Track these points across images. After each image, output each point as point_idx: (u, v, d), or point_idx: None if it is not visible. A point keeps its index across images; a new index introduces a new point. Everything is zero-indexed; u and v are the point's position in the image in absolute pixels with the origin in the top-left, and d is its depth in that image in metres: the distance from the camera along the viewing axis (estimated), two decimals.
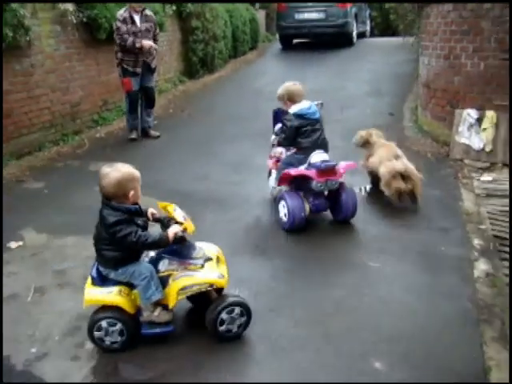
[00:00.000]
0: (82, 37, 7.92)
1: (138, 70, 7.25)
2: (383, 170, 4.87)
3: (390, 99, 9.32)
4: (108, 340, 2.86)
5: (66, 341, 3.02)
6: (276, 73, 12.44)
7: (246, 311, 2.95)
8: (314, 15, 13.82)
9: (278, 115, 4.87)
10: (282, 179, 4.51)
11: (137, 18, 7.10)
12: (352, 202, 4.46)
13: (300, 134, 4.44)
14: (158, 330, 2.91)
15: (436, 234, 4.35)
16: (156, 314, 2.89)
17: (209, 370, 2.75)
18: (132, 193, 2.81)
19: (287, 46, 15.36)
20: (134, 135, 7.61)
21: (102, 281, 2.89)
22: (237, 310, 2.91)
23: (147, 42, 7.05)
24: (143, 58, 7.20)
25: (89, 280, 2.94)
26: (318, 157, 4.40)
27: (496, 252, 4.04)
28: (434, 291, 3.48)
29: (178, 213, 2.95)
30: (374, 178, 5.21)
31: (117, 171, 2.78)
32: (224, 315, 2.88)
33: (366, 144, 5.44)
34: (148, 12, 7.31)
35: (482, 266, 3.81)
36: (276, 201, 4.65)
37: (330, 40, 14.39)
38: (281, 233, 4.43)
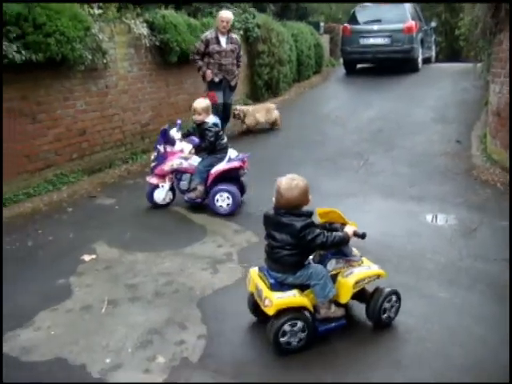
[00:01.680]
0: (154, 59, 8.22)
1: (222, 85, 8.06)
2: None
3: (457, 126, 9.12)
4: (294, 341, 3.03)
5: (138, 353, 3.10)
6: (341, 98, 12.48)
7: (399, 297, 3.33)
8: (379, 40, 13.77)
9: (167, 133, 5.60)
10: (213, 177, 5.46)
11: (222, 39, 7.90)
12: (245, 184, 5.77)
13: (219, 138, 5.51)
14: (333, 325, 3.18)
15: (504, 264, 4.18)
16: (332, 310, 3.15)
17: None
18: (303, 205, 3.10)
19: (351, 70, 15.35)
20: None
21: (280, 286, 3.07)
22: (394, 297, 3.29)
23: (209, 74, 7.92)
24: (225, 76, 8.04)
25: (265, 288, 3.08)
26: (233, 152, 5.64)
27: None
28: (504, 322, 3.34)
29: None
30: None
31: (301, 181, 3.08)
32: (386, 304, 3.24)
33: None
34: (233, 35, 8.17)
35: None
36: (210, 197, 5.46)
37: (395, 65, 14.28)
38: None
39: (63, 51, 5.96)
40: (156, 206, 5.70)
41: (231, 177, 5.58)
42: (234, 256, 4.44)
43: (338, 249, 3.22)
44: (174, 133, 5.66)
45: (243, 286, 3.87)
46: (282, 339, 2.99)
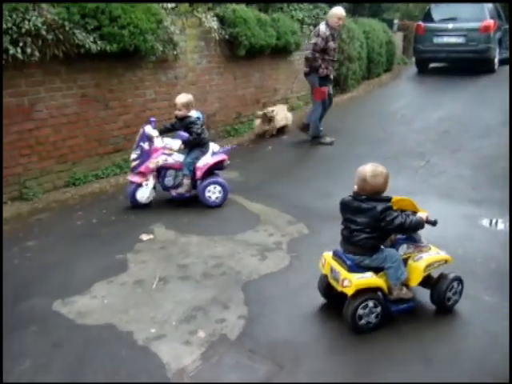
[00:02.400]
0: (222, 52, 8.47)
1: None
2: None
3: None
4: (369, 320, 3.23)
5: (181, 326, 3.31)
6: (410, 96, 12.31)
7: (461, 282, 3.51)
8: (453, 39, 13.43)
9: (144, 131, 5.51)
10: (204, 170, 5.56)
11: (334, 36, 8.07)
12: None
13: (203, 132, 5.60)
14: (404, 306, 3.38)
15: None
16: (404, 291, 3.36)
17: None
18: (383, 192, 3.33)
19: (423, 69, 15.05)
20: (331, 138, 8.39)
21: (357, 268, 3.27)
22: (455, 283, 3.46)
23: (324, 71, 7.99)
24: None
25: (343, 270, 3.28)
26: (215, 146, 5.79)
27: None
28: None
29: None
30: None
31: (384, 169, 3.32)
32: (450, 290, 3.43)
33: None
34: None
35: None
36: (201, 190, 5.54)
37: (469, 65, 13.89)
38: None
39: (136, 42, 6.30)
40: (137, 206, 5.51)
41: (214, 169, 5.72)
42: (283, 245, 4.58)
43: (412, 233, 3.42)
44: (150, 130, 5.45)
45: (288, 273, 4.05)
46: (358, 319, 3.20)
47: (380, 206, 3.20)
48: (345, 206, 3.42)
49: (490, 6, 13.88)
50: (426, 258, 3.42)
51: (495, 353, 3.06)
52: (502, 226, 5.11)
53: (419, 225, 3.32)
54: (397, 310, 3.37)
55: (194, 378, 2.82)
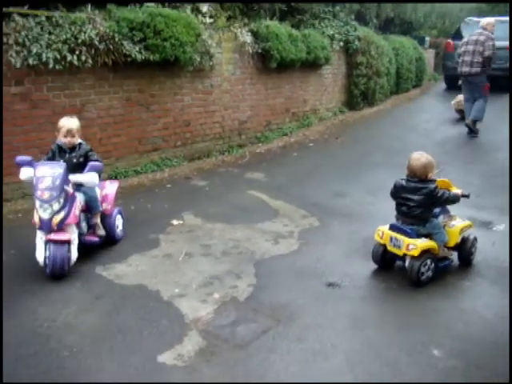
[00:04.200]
0: (255, 64, 9.18)
1: None
2: None
3: None
4: (425, 275, 4.14)
5: (200, 289, 4.00)
6: (435, 111, 12.79)
7: (477, 241, 4.56)
8: None
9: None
10: (113, 200, 4.96)
11: None
12: None
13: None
14: (447, 263, 4.43)
15: None
16: (446, 251, 4.40)
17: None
18: (430, 175, 4.21)
19: (452, 86, 15.43)
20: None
21: (416, 236, 4.18)
22: (475, 242, 4.54)
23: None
24: None
25: (404, 237, 4.18)
26: None
27: None
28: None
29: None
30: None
31: (424, 158, 4.22)
32: (473, 248, 4.54)
33: None
34: None
35: None
36: (112, 223, 4.82)
37: (496, 84, 14.23)
38: None
39: (176, 53, 7.06)
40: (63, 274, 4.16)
41: None
42: (295, 234, 5.23)
43: (451, 204, 4.40)
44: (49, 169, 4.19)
45: (296, 256, 4.70)
46: (421, 275, 4.11)
47: (432, 186, 4.15)
48: (400, 188, 4.33)
49: None
50: (458, 225, 4.47)
51: (462, 323, 3.67)
52: (497, 228, 5.62)
53: (457, 198, 4.30)
54: (442, 266, 4.34)
55: (206, 325, 3.49)
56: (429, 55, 17.45)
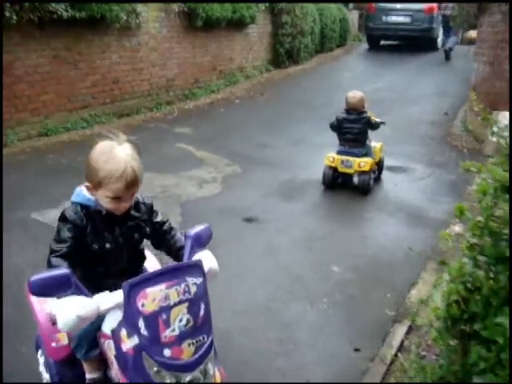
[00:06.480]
0: (182, 23, 9.43)
1: None
2: None
3: (452, 100, 10.05)
4: (371, 185, 5.45)
5: None
6: (357, 70, 13.48)
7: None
8: (400, 19, 14.60)
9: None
10: None
11: None
12: None
13: None
14: (376, 175, 5.80)
15: (431, 204, 5.31)
16: (375, 166, 5.60)
17: None
18: (366, 105, 5.39)
19: (374, 46, 16.21)
20: None
21: (362, 156, 5.36)
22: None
23: None
24: None
25: (354, 158, 5.32)
26: None
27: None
28: (407, 240, 4.48)
29: None
30: None
31: (358, 94, 5.37)
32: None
33: None
34: None
35: (456, 228, 4.73)
36: None
37: (417, 44, 15.07)
38: (307, 188, 5.60)
39: (102, 11, 7.24)
40: None
41: None
42: (218, 179, 5.71)
43: (375, 129, 5.51)
44: None
45: (218, 197, 5.22)
46: (368, 185, 5.32)
47: (367, 115, 5.33)
48: (343, 121, 5.38)
49: None
50: (378, 146, 5.67)
51: (361, 246, 4.29)
52: (402, 171, 6.32)
53: (380, 124, 5.48)
54: (373, 177, 5.58)
55: None
56: (353, 16, 18.05)
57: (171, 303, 1.75)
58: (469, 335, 1.91)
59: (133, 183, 1.90)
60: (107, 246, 2.01)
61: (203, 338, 1.82)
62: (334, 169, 5.45)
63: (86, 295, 1.74)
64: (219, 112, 9.12)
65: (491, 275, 1.88)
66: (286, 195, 5.35)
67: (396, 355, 2.96)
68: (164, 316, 1.73)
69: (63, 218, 1.97)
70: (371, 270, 3.96)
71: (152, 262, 2.43)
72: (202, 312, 1.83)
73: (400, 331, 3.18)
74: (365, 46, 17.00)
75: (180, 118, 8.60)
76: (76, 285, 1.71)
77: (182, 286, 1.79)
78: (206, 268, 1.94)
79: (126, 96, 8.49)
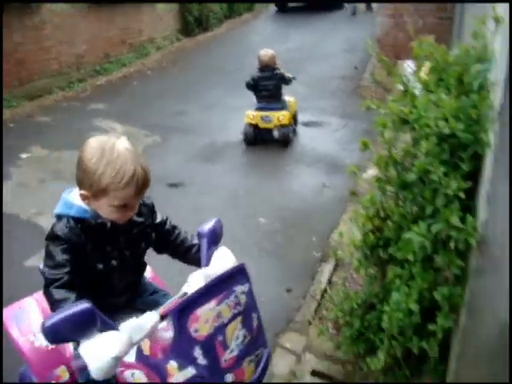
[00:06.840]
0: None
1: None
2: None
3: (362, 55, 10.35)
4: (291, 138, 5.84)
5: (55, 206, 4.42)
6: (267, 33, 13.63)
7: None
8: None
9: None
10: None
11: None
12: None
13: None
14: (294, 127, 6.17)
15: (347, 153, 5.63)
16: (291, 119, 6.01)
17: None
18: (277, 62, 5.74)
19: (282, 9, 16.38)
20: None
21: (280, 110, 5.65)
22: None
23: None
24: None
25: (273, 112, 5.63)
26: None
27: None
28: (327, 187, 4.77)
29: None
30: None
31: (270, 51, 5.67)
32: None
33: None
34: None
35: (371, 171, 5.06)
36: None
37: (323, 3, 15.38)
38: (227, 150, 5.77)
39: None
40: None
41: None
42: (139, 150, 5.72)
43: (288, 84, 5.80)
44: None
45: None
46: (288, 137, 5.71)
47: (280, 71, 5.63)
48: (258, 79, 5.63)
49: None
50: (292, 99, 6.00)
51: (284, 198, 4.54)
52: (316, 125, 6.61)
53: (291, 79, 5.75)
54: (291, 129, 5.91)
55: None
56: None
57: (225, 321, 1.51)
58: (386, 261, 2.16)
59: (144, 186, 1.58)
60: (113, 264, 1.69)
61: (261, 352, 1.63)
62: (255, 126, 5.70)
63: (114, 328, 1.42)
64: (133, 85, 9.04)
65: (400, 203, 2.14)
66: (207, 159, 5.50)
67: (325, 290, 3.23)
68: (220, 337, 1.49)
69: (54, 237, 1.59)
70: (296, 218, 4.21)
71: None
72: (255, 323, 1.63)
73: (327, 269, 3.46)
74: (273, 9, 17.12)
75: (93, 95, 8.47)
76: (101, 319, 1.39)
77: (232, 298, 1.55)
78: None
79: (34, 77, 8.23)
